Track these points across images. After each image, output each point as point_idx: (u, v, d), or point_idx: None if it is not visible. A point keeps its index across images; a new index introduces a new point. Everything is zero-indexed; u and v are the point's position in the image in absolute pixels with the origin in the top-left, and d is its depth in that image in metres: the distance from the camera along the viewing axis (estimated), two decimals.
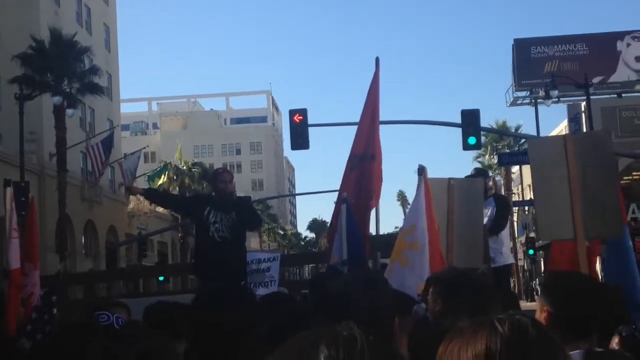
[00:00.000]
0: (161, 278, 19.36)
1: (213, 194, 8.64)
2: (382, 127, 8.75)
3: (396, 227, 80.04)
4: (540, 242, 41.83)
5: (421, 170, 6.64)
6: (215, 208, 8.24)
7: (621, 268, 6.09)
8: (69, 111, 34.60)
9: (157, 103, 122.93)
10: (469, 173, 10.09)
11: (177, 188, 59.30)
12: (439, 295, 3.76)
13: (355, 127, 8.69)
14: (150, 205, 54.98)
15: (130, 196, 51.76)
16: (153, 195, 10.89)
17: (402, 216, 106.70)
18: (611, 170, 6.52)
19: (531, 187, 7.33)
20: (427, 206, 6.43)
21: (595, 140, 6.71)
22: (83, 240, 43.87)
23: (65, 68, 35.24)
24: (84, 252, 43.71)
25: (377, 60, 8.24)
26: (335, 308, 3.19)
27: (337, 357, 1.17)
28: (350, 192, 7.95)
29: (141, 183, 56.66)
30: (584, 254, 6.19)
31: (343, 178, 8.34)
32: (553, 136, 18.67)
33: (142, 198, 54.98)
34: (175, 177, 59.69)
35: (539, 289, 4.64)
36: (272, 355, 1.23)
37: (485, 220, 8.67)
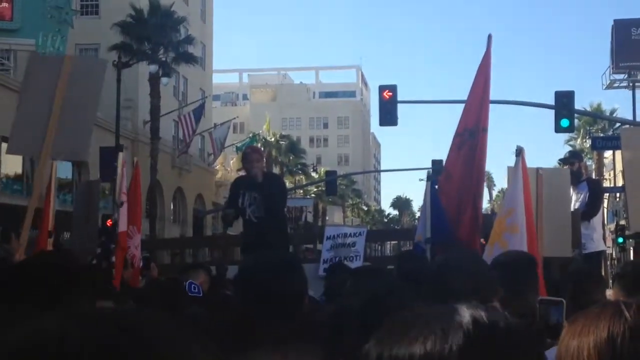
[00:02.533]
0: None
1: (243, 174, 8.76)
2: None
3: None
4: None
5: (519, 152, 6.50)
6: (248, 189, 8.34)
7: None
8: (164, 80, 35.47)
9: (248, 75, 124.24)
10: (560, 156, 9.91)
11: (264, 160, 60.02)
12: None
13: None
14: (237, 174, 55.97)
15: (218, 165, 52.78)
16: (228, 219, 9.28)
17: (488, 197, 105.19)
18: None
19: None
20: (525, 188, 6.32)
21: None
22: (172, 207, 45.00)
23: (162, 37, 36.04)
24: (172, 218, 44.85)
25: (489, 37, 8.12)
26: (431, 286, 3.26)
27: (482, 319, 1.13)
28: (459, 170, 7.82)
29: (230, 153, 57.69)
30: None
31: (449, 156, 8.16)
32: None
33: (229, 168, 55.98)
34: (262, 149, 60.38)
35: None
36: (398, 321, 1.20)
37: (578, 204, 8.50)
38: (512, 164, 6.98)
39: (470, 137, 7.78)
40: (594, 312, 1.40)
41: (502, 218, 6.26)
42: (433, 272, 3.40)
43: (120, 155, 8.05)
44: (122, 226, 7.75)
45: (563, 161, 9.50)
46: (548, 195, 7.21)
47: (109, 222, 9.01)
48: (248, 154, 8.70)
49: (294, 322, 2.57)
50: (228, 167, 56.32)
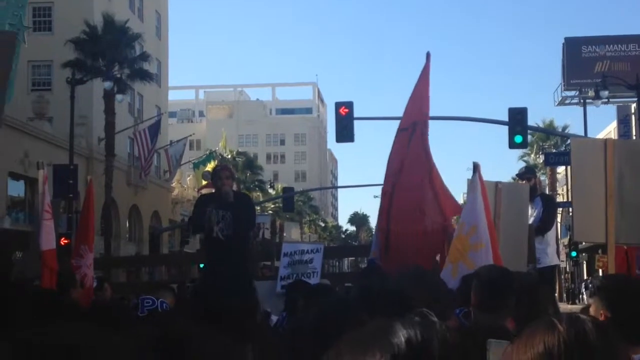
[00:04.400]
0: (202, 265, 19.49)
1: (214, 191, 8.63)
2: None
3: None
4: (584, 244, 41.26)
5: (476, 168, 6.49)
6: (217, 206, 8.20)
7: None
8: (119, 96, 35.11)
9: (204, 91, 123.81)
10: (515, 172, 10.04)
11: (235, 178, 59.65)
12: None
13: (399, 121, 8.74)
14: (195, 191, 55.59)
15: (175, 182, 52.33)
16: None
17: None
18: None
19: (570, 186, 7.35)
20: (485, 204, 6.29)
21: (635, 149, 6.69)
22: (127, 225, 44.47)
23: (117, 54, 35.71)
24: (128, 236, 44.31)
25: (428, 54, 8.23)
26: (384, 302, 3.25)
27: (415, 339, 1.15)
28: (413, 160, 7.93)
29: (186, 170, 57.32)
30: (612, 258, 6.22)
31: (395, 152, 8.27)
32: (595, 139, 18.45)
33: (186, 185, 55.51)
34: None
35: (586, 292, 4.53)
36: (345, 340, 1.20)
37: (532, 220, 8.58)
38: (465, 180, 7.04)
39: (424, 129, 7.96)
40: (527, 331, 1.44)
41: (465, 236, 6.18)
42: (393, 284, 3.40)
43: (41, 172, 7.73)
44: (46, 245, 7.39)
45: (519, 176, 9.59)
46: (507, 210, 7.26)
47: (62, 241, 8.79)
48: (219, 171, 8.55)
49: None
50: (184, 184, 55.90)
